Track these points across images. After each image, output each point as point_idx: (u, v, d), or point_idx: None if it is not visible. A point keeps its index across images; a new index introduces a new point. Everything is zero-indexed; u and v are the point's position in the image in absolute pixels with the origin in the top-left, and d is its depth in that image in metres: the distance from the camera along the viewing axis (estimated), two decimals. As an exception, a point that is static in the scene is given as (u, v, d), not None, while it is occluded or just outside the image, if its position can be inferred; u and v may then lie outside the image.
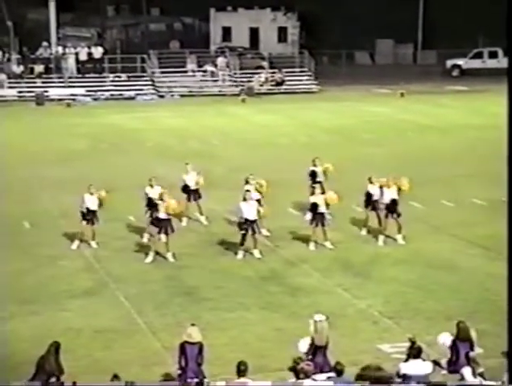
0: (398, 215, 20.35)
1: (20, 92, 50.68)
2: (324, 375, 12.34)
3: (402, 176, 20.60)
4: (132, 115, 44.23)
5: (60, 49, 53.23)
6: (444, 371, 13.21)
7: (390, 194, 20.38)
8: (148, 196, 20.67)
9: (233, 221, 21.01)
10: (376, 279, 18.06)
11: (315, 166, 22.64)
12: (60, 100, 49.20)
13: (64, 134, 37.50)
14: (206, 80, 54.73)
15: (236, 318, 15.91)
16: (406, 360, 12.40)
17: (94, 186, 20.29)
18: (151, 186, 20.80)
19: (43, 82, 51.31)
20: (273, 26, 71.87)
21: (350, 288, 17.48)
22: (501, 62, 59.30)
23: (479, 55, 63.02)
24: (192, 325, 12.88)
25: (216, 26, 72.00)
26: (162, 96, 52.39)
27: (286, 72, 55.16)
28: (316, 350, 12.85)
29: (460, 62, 62.80)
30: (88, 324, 15.58)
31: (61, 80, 51.87)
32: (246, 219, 19.31)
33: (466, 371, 12.75)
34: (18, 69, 51.61)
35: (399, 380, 12.17)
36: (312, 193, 20.64)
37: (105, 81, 52.71)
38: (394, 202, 20.27)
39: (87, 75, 52.40)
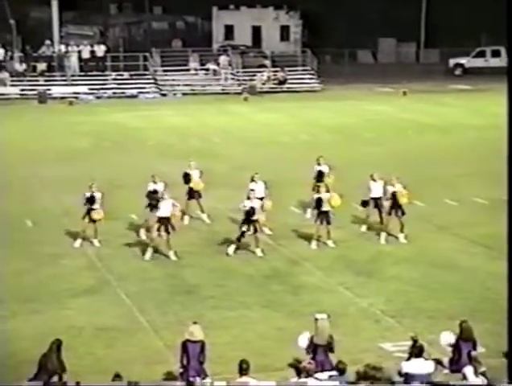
0: (402, 214, 20.34)
1: (23, 90, 50.70)
2: (326, 374, 12.34)
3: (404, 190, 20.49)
4: (134, 113, 44.23)
5: (63, 47, 53.22)
6: (446, 371, 13.20)
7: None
8: (150, 190, 20.58)
9: (235, 220, 21.00)
10: (378, 278, 18.06)
11: (319, 164, 22.67)
12: (63, 98, 49.22)
13: (66, 132, 37.52)
14: (208, 79, 54.73)
15: (237, 316, 15.91)
16: (408, 359, 12.38)
17: (95, 184, 20.30)
18: (154, 182, 20.79)
19: (46, 80, 51.33)
20: (275, 25, 71.84)
21: (352, 286, 17.48)
22: (504, 61, 59.22)
23: (482, 54, 62.95)
24: (194, 323, 12.88)
25: (219, 25, 71.97)
26: (164, 95, 52.40)
27: (289, 71, 55.15)
28: (317, 348, 12.85)
29: (462, 61, 62.74)
30: (90, 322, 15.59)
31: (64, 78, 51.89)
32: (250, 215, 19.23)
33: (468, 371, 12.73)
34: (20, 67, 51.65)
35: (401, 379, 12.17)
36: (317, 191, 20.68)
37: (107, 79, 52.71)
38: (395, 198, 20.28)
39: (89, 74, 52.41)
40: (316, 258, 19.37)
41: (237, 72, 54.86)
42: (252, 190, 20.05)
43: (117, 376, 11.67)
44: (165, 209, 19.25)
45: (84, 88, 51.19)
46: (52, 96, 49.48)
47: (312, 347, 12.84)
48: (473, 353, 13.00)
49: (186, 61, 55.12)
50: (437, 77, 58.86)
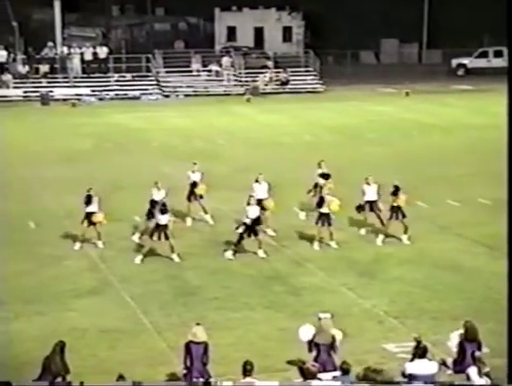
0: (403, 217, 20.33)
1: (25, 92, 50.73)
2: (329, 375, 12.33)
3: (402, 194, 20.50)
4: (137, 115, 44.25)
5: (65, 49, 53.26)
6: (450, 371, 13.17)
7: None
8: (152, 199, 20.62)
9: (238, 221, 20.98)
10: (381, 279, 18.05)
11: (320, 168, 22.74)
12: (65, 100, 49.24)
13: (68, 134, 37.53)
14: (211, 80, 54.73)
15: (240, 317, 15.91)
16: (412, 360, 12.36)
17: (93, 189, 20.28)
18: (158, 188, 20.78)
19: (49, 82, 51.36)
20: (278, 26, 71.88)
21: (355, 287, 17.47)
22: (507, 61, 59.17)
23: (484, 55, 62.90)
24: (197, 324, 12.87)
25: (221, 26, 72.02)
26: (167, 96, 52.41)
27: (291, 72, 55.13)
28: (320, 348, 12.84)
29: (465, 61, 62.71)
30: (93, 324, 15.59)
31: (66, 79, 51.91)
32: (248, 223, 19.29)
33: (472, 371, 12.71)
34: (23, 69, 51.68)
35: (405, 380, 12.15)
36: (320, 193, 20.75)
37: (109, 81, 52.74)
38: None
39: (92, 75, 52.43)
40: (319, 259, 19.36)
41: (240, 73, 54.85)
42: (251, 196, 19.99)
43: (121, 377, 11.67)
44: (164, 218, 19.20)
45: (87, 90, 51.22)
46: (55, 98, 49.50)
47: (315, 347, 12.83)
48: (477, 353, 12.97)
49: (188, 62, 55.12)
50: (440, 78, 58.84)
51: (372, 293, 17.11)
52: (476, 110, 44.44)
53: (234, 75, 54.76)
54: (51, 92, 50.03)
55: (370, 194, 21.08)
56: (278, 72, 54.81)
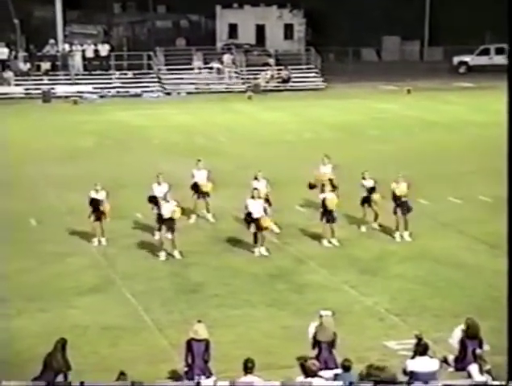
0: (408, 211, 20.34)
1: (27, 89, 50.73)
2: (330, 372, 12.35)
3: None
4: (138, 112, 44.26)
5: (67, 46, 53.25)
6: (451, 369, 13.19)
7: (398, 189, 20.48)
8: (153, 193, 20.68)
9: (240, 218, 21.01)
10: (383, 276, 18.06)
11: (324, 165, 22.83)
12: (67, 97, 49.23)
13: (70, 131, 37.55)
14: (212, 77, 54.69)
15: (242, 315, 15.92)
16: (413, 357, 12.39)
17: (100, 185, 20.35)
18: (158, 183, 20.83)
19: (50, 79, 51.35)
20: (279, 23, 71.79)
21: (357, 285, 17.48)
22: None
23: (486, 52, 62.83)
24: (199, 322, 12.89)
25: (223, 23, 71.96)
26: (168, 94, 52.41)
27: (293, 69, 55.11)
28: (321, 345, 12.86)
29: (466, 58, 62.64)
30: (95, 321, 15.61)
31: (68, 77, 51.90)
32: (251, 216, 19.31)
33: (473, 369, 12.74)
34: (24, 66, 51.67)
35: (406, 377, 12.17)
36: (322, 191, 20.77)
37: (111, 78, 52.73)
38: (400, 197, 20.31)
39: (93, 73, 52.43)
40: (321, 257, 19.37)
41: (241, 71, 54.83)
42: (255, 188, 20.07)
43: (122, 374, 11.69)
44: (168, 210, 19.24)
45: (89, 87, 51.21)
46: (56, 96, 49.49)
47: (316, 344, 12.86)
48: (478, 351, 12.99)
49: (190, 60, 55.08)
50: (441, 75, 58.78)
51: (373, 291, 17.12)
52: (477, 107, 44.41)
53: (236, 72, 54.73)
54: (53, 89, 50.01)
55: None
56: (280, 70, 54.80)
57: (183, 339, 12.92)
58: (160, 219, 19.35)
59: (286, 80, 54.35)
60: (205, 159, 23.52)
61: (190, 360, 12.66)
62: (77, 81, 51.62)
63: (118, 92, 51.70)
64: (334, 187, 21.39)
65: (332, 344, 12.91)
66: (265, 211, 19.57)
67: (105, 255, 19.68)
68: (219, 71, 54.53)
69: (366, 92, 51.28)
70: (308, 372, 11.77)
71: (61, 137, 35.83)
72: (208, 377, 12.58)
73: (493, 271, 17.92)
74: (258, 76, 54.08)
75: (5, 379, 11.52)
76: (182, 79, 53.91)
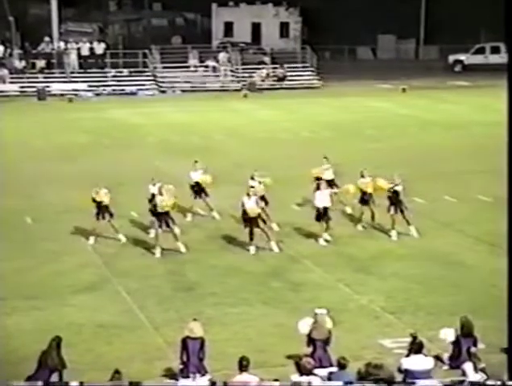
0: (401, 211, 20.35)
1: (22, 87, 50.65)
2: (325, 371, 12.36)
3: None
4: (134, 110, 44.24)
5: (62, 44, 53.19)
6: (446, 367, 13.22)
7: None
8: (151, 193, 20.73)
9: (236, 217, 21.02)
10: (378, 274, 18.07)
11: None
12: (62, 95, 49.21)
13: (65, 129, 37.52)
14: (208, 76, 54.68)
15: (238, 313, 15.93)
16: (408, 355, 12.41)
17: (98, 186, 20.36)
18: (153, 184, 20.83)
19: (45, 77, 51.28)
20: (275, 22, 71.77)
21: (352, 283, 17.50)
22: (504, 57, 59.12)
23: (481, 51, 62.89)
24: (194, 320, 12.90)
25: (218, 22, 71.91)
26: (164, 92, 52.38)
27: (288, 68, 55.12)
28: (316, 343, 12.87)
29: (462, 57, 62.70)
30: (90, 319, 15.61)
31: (63, 75, 51.84)
32: (246, 214, 19.33)
33: (468, 367, 12.76)
34: (20, 64, 51.60)
35: (401, 375, 12.19)
36: (317, 188, 20.76)
37: (106, 76, 52.67)
38: (396, 195, 20.32)
39: (89, 71, 52.37)
40: (316, 255, 19.38)
41: (237, 69, 54.83)
42: (252, 187, 20.10)
43: (117, 373, 11.69)
44: (159, 204, 19.21)
45: (84, 85, 51.17)
46: (52, 93, 49.45)
47: (311, 342, 12.87)
48: (473, 349, 13.01)
49: (185, 58, 55.08)
50: (437, 74, 58.84)
51: (369, 289, 17.14)
52: (473, 106, 44.49)
53: (231, 70, 54.72)
54: (48, 87, 49.96)
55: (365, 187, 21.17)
56: (275, 68, 54.81)
57: (179, 337, 12.92)
58: (156, 215, 19.32)
59: (281, 79, 54.36)
60: (201, 158, 23.52)
61: (185, 358, 12.66)
62: (73, 79, 51.56)
63: (114, 90, 51.65)
64: (335, 186, 21.52)
65: (326, 342, 12.93)
66: (257, 203, 19.52)
67: (100, 253, 19.67)
68: (214, 69, 54.53)
69: (362, 90, 51.31)
70: (303, 370, 11.79)
71: (56, 135, 35.81)
72: (203, 375, 12.59)
73: (491, 270, 17.93)
74: (254, 75, 54.09)
75: (1, 378, 11.54)
76: (177, 77, 53.89)
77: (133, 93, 51.38)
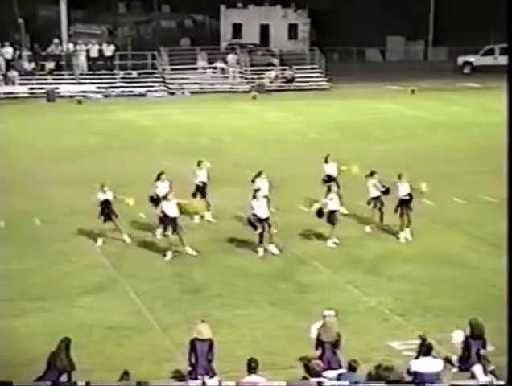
0: (407, 214, 20.33)
1: (31, 88, 50.80)
2: (334, 372, 12.35)
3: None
4: (143, 112, 44.29)
5: (71, 46, 53.31)
6: (455, 369, 13.18)
7: (404, 189, 20.46)
8: (154, 193, 20.73)
9: (243, 218, 21.01)
10: (387, 276, 18.05)
11: (327, 163, 22.87)
12: (71, 96, 49.32)
13: (74, 131, 37.59)
14: (217, 77, 54.74)
15: (246, 315, 15.93)
16: (417, 357, 12.38)
17: (107, 185, 20.40)
18: (161, 180, 20.86)
19: (54, 79, 51.41)
20: (283, 23, 71.82)
21: (361, 285, 17.48)
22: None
23: (490, 52, 62.74)
24: (202, 322, 12.90)
25: (227, 23, 71.99)
26: (172, 93, 52.46)
27: (297, 69, 55.13)
28: (325, 345, 12.86)
29: (471, 59, 62.60)
30: (99, 321, 15.63)
31: (72, 76, 51.97)
32: (258, 218, 19.33)
33: (477, 369, 12.72)
34: (29, 66, 51.75)
35: (410, 378, 12.17)
36: (328, 191, 20.82)
37: (115, 78, 52.79)
38: (409, 197, 20.34)
39: (98, 72, 52.49)
40: (324, 257, 19.37)
41: (246, 71, 54.86)
42: (257, 189, 20.06)
43: (125, 374, 11.70)
44: (170, 210, 19.23)
45: (93, 87, 51.27)
46: (61, 95, 49.59)
47: (320, 345, 12.86)
48: (482, 351, 12.97)
49: (194, 60, 55.15)
50: (446, 75, 58.75)
51: (377, 291, 17.12)
52: (482, 108, 44.38)
53: (240, 72, 54.76)
54: (57, 88, 50.10)
55: (374, 190, 21.13)
56: (284, 70, 54.83)
57: (187, 339, 12.92)
58: (164, 218, 19.33)
59: (290, 80, 54.36)
60: (209, 159, 23.52)
61: (193, 360, 12.66)
62: (81, 81, 51.68)
63: (122, 91, 51.76)
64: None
65: (335, 345, 12.91)
66: (268, 206, 19.54)
67: (109, 254, 19.69)
68: (223, 70, 54.56)
69: (370, 92, 51.28)
70: (312, 373, 11.78)
71: (65, 137, 35.87)
72: (211, 377, 12.59)
73: (497, 271, 17.85)
74: (263, 76, 54.10)
75: (9, 379, 11.55)
76: (186, 79, 53.95)
77: (142, 95, 51.46)
